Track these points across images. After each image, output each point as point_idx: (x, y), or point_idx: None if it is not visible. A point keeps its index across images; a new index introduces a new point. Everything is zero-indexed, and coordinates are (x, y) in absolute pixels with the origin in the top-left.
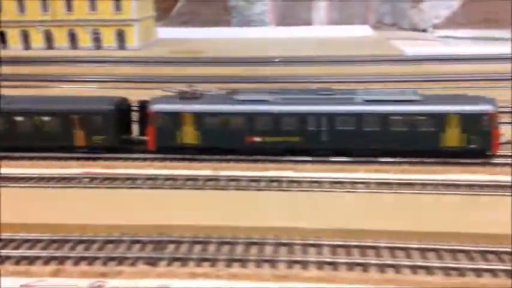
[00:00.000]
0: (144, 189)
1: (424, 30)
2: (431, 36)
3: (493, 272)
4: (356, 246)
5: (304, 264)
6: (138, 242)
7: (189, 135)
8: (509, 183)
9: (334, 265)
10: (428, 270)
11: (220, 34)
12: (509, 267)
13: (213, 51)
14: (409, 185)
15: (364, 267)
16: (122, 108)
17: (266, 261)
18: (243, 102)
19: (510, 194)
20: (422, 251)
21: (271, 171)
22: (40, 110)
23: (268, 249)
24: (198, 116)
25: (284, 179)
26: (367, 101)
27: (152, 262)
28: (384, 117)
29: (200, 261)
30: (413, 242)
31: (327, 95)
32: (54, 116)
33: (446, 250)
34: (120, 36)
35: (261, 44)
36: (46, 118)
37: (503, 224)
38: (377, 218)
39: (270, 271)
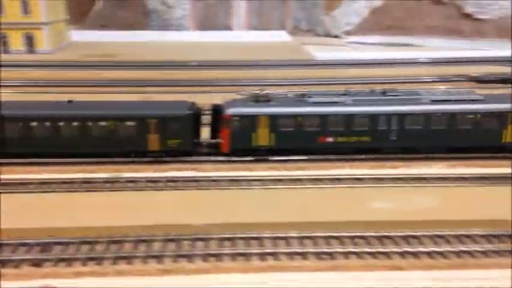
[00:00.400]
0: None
1: (337, 36)
2: (343, 42)
3: (359, 255)
4: (241, 238)
5: (190, 258)
6: (24, 245)
7: (263, 137)
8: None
9: (218, 256)
10: (304, 255)
11: (139, 38)
12: (374, 250)
13: (128, 55)
14: (298, 180)
15: (247, 256)
16: (196, 113)
17: (153, 256)
18: (316, 104)
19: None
20: (301, 239)
21: (172, 171)
22: (116, 115)
23: (157, 246)
24: (273, 118)
25: (182, 178)
26: (433, 101)
27: (37, 263)
28: (451, 116)
29: (86, 260)
30: (293, 231)
31: (395, 95)
32: (130, 121)
33: (321, 237)
34: (29, 40)
35: (179, 48)
36: (121, 123)
37: (368, 212)
38: (264, 212)
39: (156, 266)
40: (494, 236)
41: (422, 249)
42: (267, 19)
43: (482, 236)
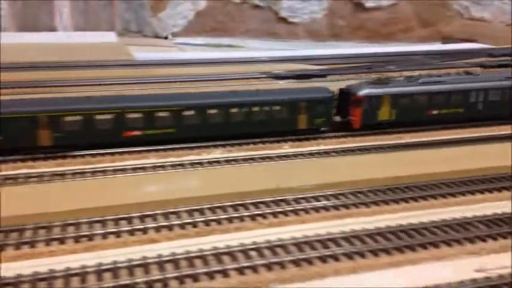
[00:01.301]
0: None
1: (166, 37)
2: (170, 43)
3: (117, 234)
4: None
5: None
6: None
7: (386, 113)
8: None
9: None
10: (61, 240)
11: None
12: (131, 228)
13: None
14: (81, 173)
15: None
16: (333, 96)
17: None
18: (425, 83)
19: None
20: (63, 226)
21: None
22: (275, 100)
23: None
24: (395, 97)
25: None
26: (508, 77)
27: None
28: None
29: None
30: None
31: (477, 75)
32: (285, 105)
33: (84, 223)
34: None
35: None
36: (279, 107)
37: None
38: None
39: None
40: (240, 205)
41: (176, 222)
42: (94, 20)
43: (231, 205)
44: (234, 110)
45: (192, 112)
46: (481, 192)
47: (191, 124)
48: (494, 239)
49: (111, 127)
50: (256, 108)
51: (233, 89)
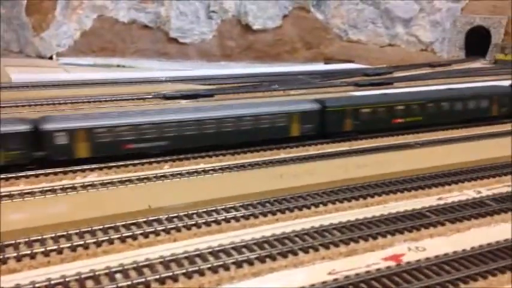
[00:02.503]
0: None
1: (50, 58)
2: (54, 64)
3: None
4: None
5: None
6: None
7: None
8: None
9: None
10: None
11: None
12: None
13: None
14: None
15: None
16: None
17: None
18: None
19: None
20: None
21: None
22: (469, 94)
23: None
24: None
25: None
26: None
27: None
28: None
29: None
30: None
31: None
32: (477, 97)
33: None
34: None
35: None
36: (470, 99)
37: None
38: None
39: None
40: (111, 228)
41: (39, 250)
42: None
43: (100, 229)
44: (453, 103)
45: (430, 105)
46: (341, 201)
47: (432, 113)
48: (346, 243)
49: (386, 116)
50: (457, 102)
51: (449, 88)
